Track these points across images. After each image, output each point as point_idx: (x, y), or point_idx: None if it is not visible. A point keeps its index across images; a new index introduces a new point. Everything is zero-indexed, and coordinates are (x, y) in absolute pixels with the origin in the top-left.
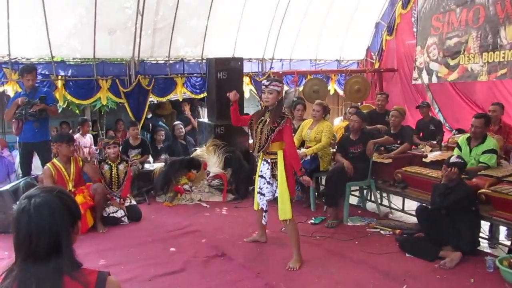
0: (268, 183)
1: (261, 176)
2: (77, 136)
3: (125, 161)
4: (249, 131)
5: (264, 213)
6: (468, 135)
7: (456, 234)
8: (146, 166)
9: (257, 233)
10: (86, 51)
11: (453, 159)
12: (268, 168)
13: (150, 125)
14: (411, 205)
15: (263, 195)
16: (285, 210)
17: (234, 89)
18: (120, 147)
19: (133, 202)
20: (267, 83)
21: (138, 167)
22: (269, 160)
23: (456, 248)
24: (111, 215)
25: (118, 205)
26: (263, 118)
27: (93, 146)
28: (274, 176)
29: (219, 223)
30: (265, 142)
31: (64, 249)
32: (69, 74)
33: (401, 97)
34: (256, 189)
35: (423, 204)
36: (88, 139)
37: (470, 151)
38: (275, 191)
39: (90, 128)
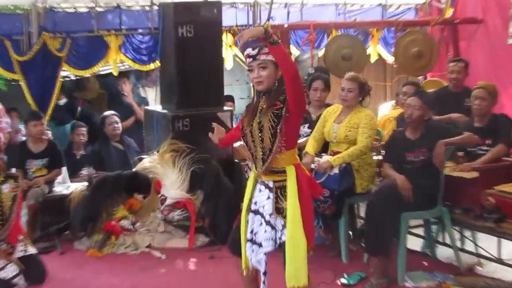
0: (269, 223)
1: (255, 212)
2: None
3: (13, 178)
4: (243, 141)
5: (263, 277)
6: None
7: None
8: (57, 188)
9: None
10: None
11: None
12: (269, 197)
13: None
14: None
15: (259, 245)
16: (297, 271)
17: (207, 57)
18: (4, 157)
19: (32, 251)
20: (254, 51)
21: (42, 190)
22: (270, 184)
23: None
24: None
25: (5, 256)
26: (258, 109)
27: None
28: (279, 210)
29: (183, 285)
30: (271, 140)
31: None
32: None
33: (489, 67)
34: (244, 234)
35: None
36: None
37: None
38: (281, 236)
39: None
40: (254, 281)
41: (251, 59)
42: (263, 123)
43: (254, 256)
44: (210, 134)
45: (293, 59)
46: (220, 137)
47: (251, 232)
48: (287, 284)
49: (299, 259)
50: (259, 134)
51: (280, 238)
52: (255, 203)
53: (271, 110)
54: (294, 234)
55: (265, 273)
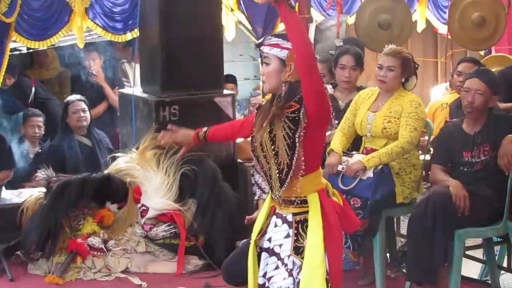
0: (286, 266)
1: (268, 251)
2: None
3: None
4: (254, 158)
5: None
6: None
7: None
8: (4, 195)
9: None
10: None
11: None
12: (287, 234)
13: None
14: None
15: None
16: None
17: (200, 26)
18: None
19: None
20: (260, 41)
21: None
22: (289, 218)
23: None
24: None
25: None
26: (269, 114)
27: None
28: (298, 251)
29: None
30: (288, 154)
31: None
32: None
33: None
34: (255, 275)
35: None
36: None
37: None
38: (298, 281)
39: None
40: None
41: (259, 47)
42: (275, 132)
43: None
44: (166, 138)
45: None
46: (183, 136)
47: (263, 276)
48: None
49: None
50: (272, 147)
51: (298, 283)
52: (269, 239)
53: (285, 113)
54: (310, 282)
55: None
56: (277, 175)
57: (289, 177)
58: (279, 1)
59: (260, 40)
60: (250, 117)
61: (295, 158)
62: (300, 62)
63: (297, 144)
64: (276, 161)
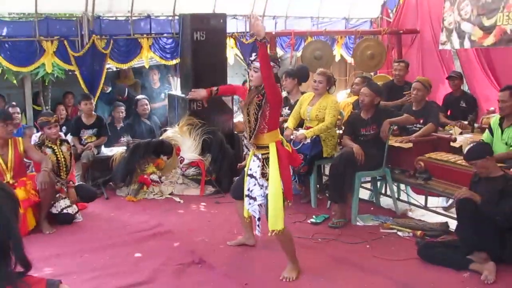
0: (259, 184)
1: (251, 176)
2: None
3: (66, 141)
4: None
5: (257, 221)
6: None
7: (500, 242)
8: (103, 150)
9: (243, 235)
10: (26, 4)
11: (466, 149)
12: (258, 166)
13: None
14: (436, 200)
15: (254, 199)
16: (276, 219)
17: (214, 55)
18: (64, 128)
19: (81, 182)
20: (252, 57)
21: (93, 152)
22: (259, 156)
23: (496, 259)
24: (64, 211)
25: (74, 197)
26: (249, 98)
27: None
28: (264, 175)
29: (195, 223)
30: (254, 123)
31: (13, 244)
32: (3, 34)
33: (424, 67)
34: (245, 191)
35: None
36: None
37: (502, 133)
38: (265, 193)
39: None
40: (249, 223)
41: (250, 62)
42: (250, 110)
43: (251, 207)
44: (192, 93)
45: (275, 61)
46: (203, 92)
47: (248, 189)
48: (269, 227)
49: (277, 210)
50: (247, 117)
51: (265, 194)
52: (251, 169)
53: (256, 100)
54: (273, 192)
55: (259, 219)
56: (249, 133)
57: (254, 133)
58: (262, 42)
59: (252, 59)
60: (244, 87)
61: (257, 125)
62: (263, 76)
63: (259, 117)
64: (249, 125)
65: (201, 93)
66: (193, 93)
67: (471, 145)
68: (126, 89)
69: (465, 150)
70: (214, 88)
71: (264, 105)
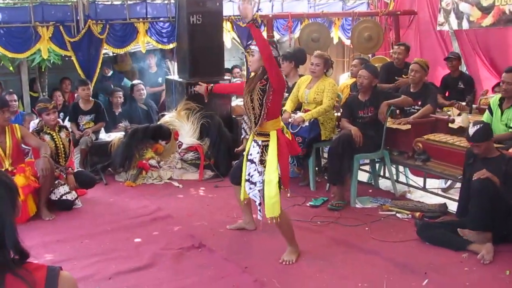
0: (258, 170)
1: (251, 161)
2: None
3: (65, 127)
4: (244, 107)
5: (259, 206)
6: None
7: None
8: (101, 136)
9: (243, 219)
10: None
11: (470, 130)
12: (258, 152)
13: (112, 85)
14: (434, 182)
15: (254, 184)
16: (272, 206)
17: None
18: (62, 114)
19: (80, 168)
20: (248, 42)
21: (91, 137)
22: (259, 142)
23: (501, 240)
24: (63, 197)
25: (73, 184)
26: (251, 85)
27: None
28: (262, 162)
29: (195, 207)
30: (259, 109)
31: (7, 235)
32: None
33: (422, 48)
34: (244, 175)
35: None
36: None
37: (502, 114)
38: (264, 179)
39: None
40: (248, 205)
41: (247, 46)
42: (253, 96)
43: (251, 191)
44: (197, 88)
45: (271, 42)
46: (200, 89)
47: (248, 174)
48: (266, 214)
49: (273, 197)
50: (251, 104)
51: (263, 180)
52: (250, 154)
53: (259, 86)
54: (270, 179)
55: (260, 204)
56: (254, 119)
57: (260, 120)
58: (250, 23)
59: (249, 43)
60: (241, 84)
61: (263, 111)
62: (263, 58)
63: (264, 103)
64: (253, 112)
65: (200, 89)
66: (197, 87)
67: (477, 126)
68: (124, 78)
69: (469, 130)
70: (210, 85)
71: (268, 90)
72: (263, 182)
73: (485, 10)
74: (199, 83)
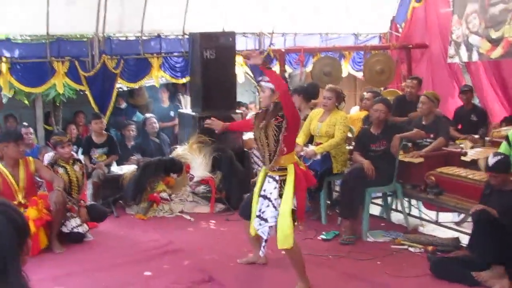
0: (274, 206)
1: (264, 197)
2: None
3: (78, 161)
4: (255, 143)
5: (264, 243)
6: None
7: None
8: (114, 169)
9: (253, 253)
10: (38, 26)
11: (490, 160)
12: (275, 188)
13: (125, 120)
14: (447, 216)
15: (265, 220)
16: (286, 237)
17: (224, 73)
18: (75, 147)
19: (93, 202)
20: (260, 77)
21: (103, 170)
22: (277, 178)
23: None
24: (75, 230)
25: (85, 217)
26: (264, 121)
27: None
28: (281, 196)
29: (206, 240)
30: (275, 145)
31: (11, 276)
32: (16, 56)
33: (433, 80)
34: (254, 211)
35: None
36: None
37: None
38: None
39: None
40: (258, 240)
41: (259, 82)
42: (268, 132)
43: (261, 228)
44: (209, 122)
45: (285, 77)
46: (220, 124)
47: (259, 210)
48: (278, 245)
49: (287, 229)
50: (266, 141)
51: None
52: (264, 190)
53: (274, 122)
54: (284, 211)
55: (266, 240)
56: (268, 155)
57: (275, 157)
58: (261, 67)
59: (260, 79)
60: (251, 119)
61: (278, 147)
62: (280, 94)
63: (280, 140)
64: (268, 148)
65: (217, 125)
66: (210, 122)
67: (498, 157)
68: (137, 112)
69: (489, 160)
70: (226, 124)
71: (284, 126)
72: (277, 216)
73: (495, 42)
74: (212, 118)
